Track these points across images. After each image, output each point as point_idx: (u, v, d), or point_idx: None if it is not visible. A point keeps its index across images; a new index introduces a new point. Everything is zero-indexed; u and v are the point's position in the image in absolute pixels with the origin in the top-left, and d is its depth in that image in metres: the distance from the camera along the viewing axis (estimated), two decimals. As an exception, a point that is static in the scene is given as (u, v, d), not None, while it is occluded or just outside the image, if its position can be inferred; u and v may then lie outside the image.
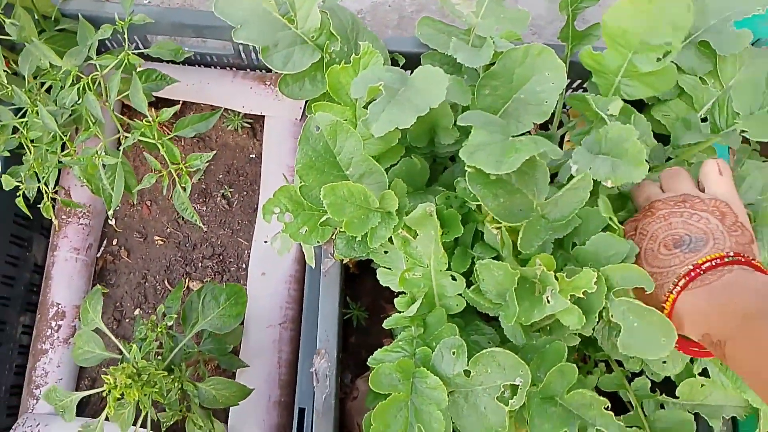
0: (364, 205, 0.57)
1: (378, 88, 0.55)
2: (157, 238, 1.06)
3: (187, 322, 0.85)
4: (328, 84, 0.65)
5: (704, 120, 0.70)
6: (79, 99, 0.83)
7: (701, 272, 0.53)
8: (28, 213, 0.88)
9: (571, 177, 0.56)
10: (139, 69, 0.86)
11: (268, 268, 0.98)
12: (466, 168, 0.54)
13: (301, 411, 0.80)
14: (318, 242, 0.63)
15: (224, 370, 0.95)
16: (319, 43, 0.69)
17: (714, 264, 0.53)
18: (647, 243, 0.58)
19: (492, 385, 0.55)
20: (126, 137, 0.83)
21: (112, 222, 1.00)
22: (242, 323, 0.90)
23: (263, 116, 1.05)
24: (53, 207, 0.89)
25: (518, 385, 0.54)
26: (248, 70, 1.06)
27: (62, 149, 0.86)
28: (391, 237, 0.59)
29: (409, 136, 0.68)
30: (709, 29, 0.69)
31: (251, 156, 1.09)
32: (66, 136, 0.84)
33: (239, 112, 1.07)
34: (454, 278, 0.62)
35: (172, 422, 0.79)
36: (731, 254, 0.53)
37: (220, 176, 1.08)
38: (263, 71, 1.06)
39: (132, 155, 1.09)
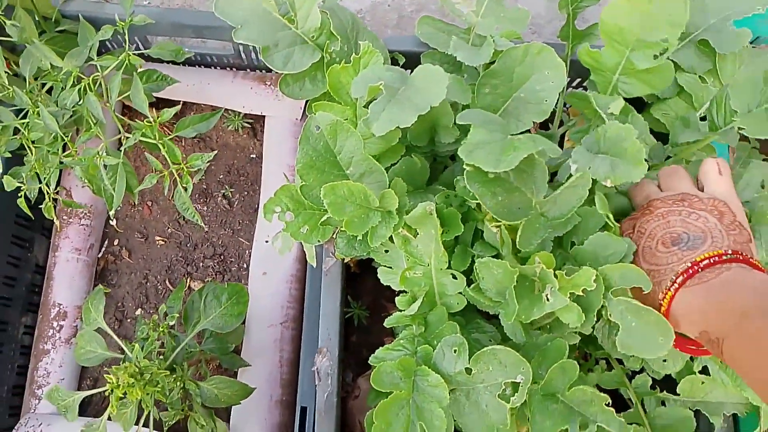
0: (364, 205, 0.57)
1: (378, 87, 0.55)
2: (158, 238, 1.06)
3: (188, 321, 0.86)
4: (328, 84, 0.65)
5: (703, 119, 0.70)
6: (80, 100, 0.83)
7: (699, 270, 0.53)
8: (30, 214, 0.88)
9: (571, 176, 0.56)
10: (139, 70, 0.86)
11: (269, 268, 0.98)
12: (464, 166, 0.55)
13: (303, 410, 0.81)
14: (319, 241, 0.63)
15: (226, 369, 0.95)
16: (320, 42, 0.70)
17: (712, 262, 0.53)
18: (645, 241, 0.58)
19: (493, 383, 0.55)
20: (127, 138, 0.84)
21: (114, 222, 1.01)
22: (244, 322, 0.90)
23: (264, 116, 1.06)
24: (54, 208, 0.89)
25: (519, 383, 0.54)
26: (248, 70, 1.06)
27: (63, 150, 0.86)
28: (391, 236, 0.59)
29: (410, 135, 0.68)
30: (709, 28, 0.69)
31: (252, 156, 1.09)
32: (67, 136, 0.84)
33: (240, 112, 1.07)
34: (454, 277, 0.62)
35: (174, 421, 0.80)
36: (729, 252, 0.53)
37: (221, 176, 1.08)
38: (263, 71, 1.06)
39: (133, 156, 1.09)
